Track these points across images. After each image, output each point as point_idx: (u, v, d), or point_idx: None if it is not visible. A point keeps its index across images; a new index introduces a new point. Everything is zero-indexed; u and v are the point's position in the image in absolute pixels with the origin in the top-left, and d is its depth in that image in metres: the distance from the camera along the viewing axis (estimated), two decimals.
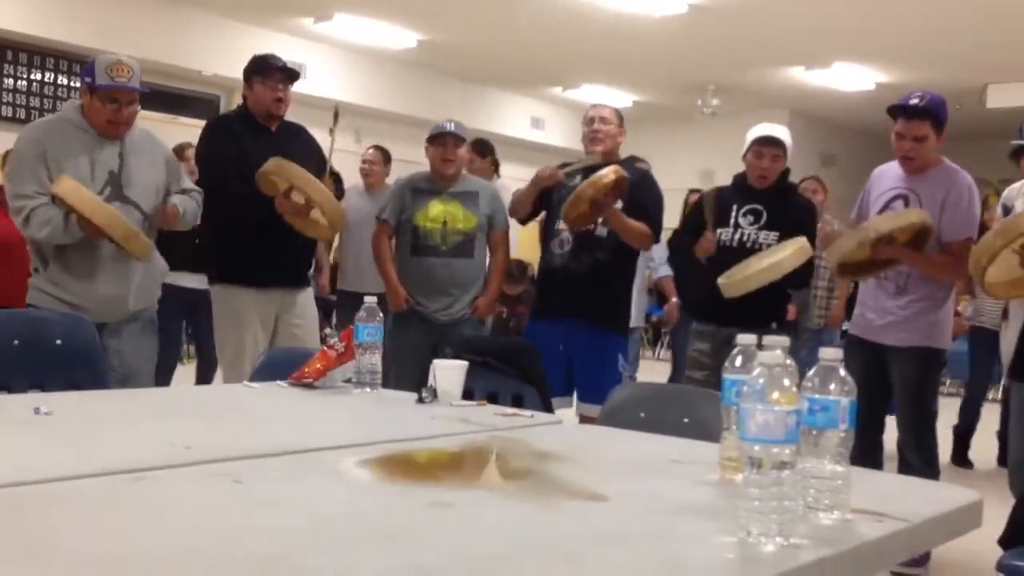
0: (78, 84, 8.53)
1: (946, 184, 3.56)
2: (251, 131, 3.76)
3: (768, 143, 3.83)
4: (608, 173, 3.73)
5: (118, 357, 3.26)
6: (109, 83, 3.19)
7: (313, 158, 3.87)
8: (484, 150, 5.76)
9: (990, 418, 5.89)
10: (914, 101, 3.53)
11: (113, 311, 3.29)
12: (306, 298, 3.89)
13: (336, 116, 4.10)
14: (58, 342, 2.79)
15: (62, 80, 8.58)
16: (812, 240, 3.77)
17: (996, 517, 2.56)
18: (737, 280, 3.66)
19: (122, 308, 3.31)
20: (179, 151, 5.00)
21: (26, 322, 2.88)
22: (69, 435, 1.87)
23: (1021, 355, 3.40)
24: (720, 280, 3.73)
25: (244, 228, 3.66)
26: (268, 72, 3.75)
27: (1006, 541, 2.68)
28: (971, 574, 3.49)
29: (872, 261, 3.58)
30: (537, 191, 4.06)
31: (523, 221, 4.28)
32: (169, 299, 3.81)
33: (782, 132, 3.89)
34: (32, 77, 8.41)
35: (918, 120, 3.53)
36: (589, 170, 4.00)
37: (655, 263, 6.09)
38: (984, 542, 2.42)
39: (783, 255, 3.65)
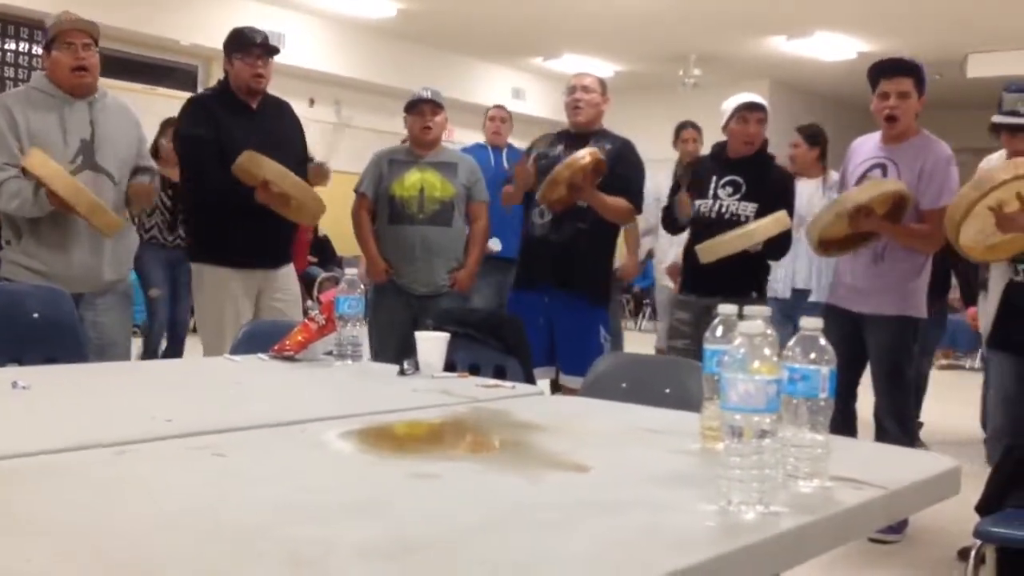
0: None
1: (924, 153, 3.58)
2: (232, 110, 3.66)
3: (752, 108, 3.82)
4: (584, 155, 3.69)
5: (95, 329, 3.26)
6: (60, 28, 3.28)
7: (296, 137, 3.82)
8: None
9: (974, 385, 5.92)
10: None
11: (87, 282, 3.29)
12: (287, 274, 3.86)
13: None
14: (35, 315, 2.77)
15: (37, 50, 8.45)
16: (791, 211, 3.77)
17: (975, 484, 2.59)
18: (711, 245, 3.68)
19: (97, 278, 3.32)
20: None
21: (2, 296, 2.86)
22: (48, 409, 1.85)
23: (1000, 325, 3.43)
24: (697, 246, 3.75)
25: (224, 209, 3.60)
26: (246, 47, 3.68)
27: (983, 507, 2.71)
28: (949, 540, 3.53)
29: (853, 235, 3.60)
30: (523, 190, 3.99)
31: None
32: None
33: (761, 99, 3.91)
34: (6, 47, 8.28)
35: (902, 75, 3.55)
36: (570, 139, 3.98)
37: None
38: (961, 509, 2.44)
39: (759, 223, 3.66)
